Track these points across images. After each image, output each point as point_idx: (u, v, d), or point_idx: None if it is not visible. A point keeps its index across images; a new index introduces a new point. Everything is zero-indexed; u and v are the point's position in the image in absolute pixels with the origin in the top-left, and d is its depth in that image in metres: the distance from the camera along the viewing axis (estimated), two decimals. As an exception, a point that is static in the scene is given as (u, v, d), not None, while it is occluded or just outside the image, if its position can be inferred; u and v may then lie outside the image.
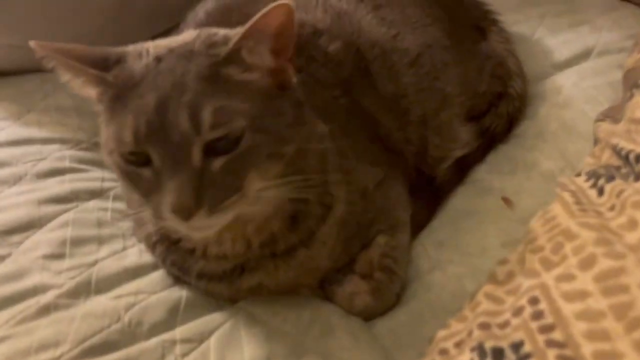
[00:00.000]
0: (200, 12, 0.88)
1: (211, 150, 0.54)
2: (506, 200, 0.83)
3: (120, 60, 0.58)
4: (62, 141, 0.87)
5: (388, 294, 0.73)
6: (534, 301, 0.44)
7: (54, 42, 0.57)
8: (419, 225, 0.83)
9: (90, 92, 0.60)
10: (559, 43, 1.08)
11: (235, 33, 0.58)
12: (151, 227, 0.69)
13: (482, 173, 0.90)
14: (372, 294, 0.73)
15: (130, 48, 0.61)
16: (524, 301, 0.45)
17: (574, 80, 1.01)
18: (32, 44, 0.57)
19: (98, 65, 0.58)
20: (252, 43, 0.57)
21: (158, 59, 0.57)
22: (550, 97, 1.00)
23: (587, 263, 0.43)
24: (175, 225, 0.57)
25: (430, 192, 0.88)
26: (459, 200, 0.86)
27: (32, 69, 0.95)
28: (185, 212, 0.53)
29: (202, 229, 0.57)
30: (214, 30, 0.61)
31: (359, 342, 0.67)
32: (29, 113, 0.91)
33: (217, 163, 0.55)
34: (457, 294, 0.71)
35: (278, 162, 0.59)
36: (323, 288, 0.75)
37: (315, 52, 0.81)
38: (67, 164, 0.84)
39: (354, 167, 0.75)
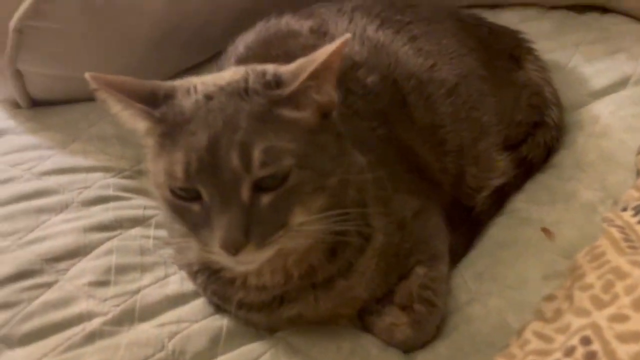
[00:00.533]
0: (240, 45, 0.90)
1: (259, 186, 0.55)
2: (546, 231, 0.82)
3: (169, 95, 0.60)
4: (105, 169, 0.89)
5: (428, 326, 0.73)
6: (586, 341, 0.44)
7: (106, 75, 0.59)
8: (457, 255, 0.83)
9: (139, 125, 0.61)
10: (595, 71, 1.08)
11: (289, 72, 0.59)
12: (192, 255, 0.70)
13: (520, 203, 0.90)
14: (411, 326, 0.72)
15: (178, 83, 0.62)
16: (575, 341, 0.44)
17: (612, 109, 1.00)
18: (87, 76, 0.58)
19: (147, 100, 0.59)
20: (317, 82, 0.57)
21: (208, 97, 0.58)
22: (587, 126, 0.99)
23: (640, 303, 0.43)
24: (222, 259, 0.58)
25: (468, 222, 0.87)
26: (497, 231, 0.86)
27: (78, 98, 0.99)
28: (234, 248, 0.54)
29: (248, 263, 0.59)
30: (262, 67, 0.61)
31: (399, 375, 0.67)
32: (74, 142, 0.94)
33: (265, 199, 0.56)
34: (498, 328, 0.70)
35: (321, 195, 0.60)
36: (362, 319, 0.75)
37: (353, 84, 0.82)
38: (110, 192, 0.86)
39: (392, 198, 0.75)
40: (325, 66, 0.56)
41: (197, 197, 0.56)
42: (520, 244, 0.82)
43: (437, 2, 1.05)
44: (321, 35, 0.88)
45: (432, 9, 0.99)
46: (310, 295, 0.68)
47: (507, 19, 1.19)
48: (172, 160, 0.56)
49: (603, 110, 1.00)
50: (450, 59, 0.91)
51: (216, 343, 0.69)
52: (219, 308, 0.72)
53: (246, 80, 0.59)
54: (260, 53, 0.84)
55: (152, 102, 0.59)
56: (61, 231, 0.78)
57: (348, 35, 0.56)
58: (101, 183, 0.87)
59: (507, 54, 1.02)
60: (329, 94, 0.59)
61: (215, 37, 1.03)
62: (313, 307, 0.69)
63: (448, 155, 0.88)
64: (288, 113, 0.57)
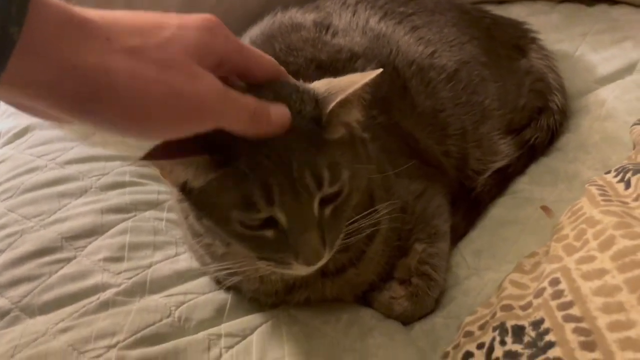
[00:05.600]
0: (245, 40, 0.93)
1: (321, 202, 0.57)
2: (546, 209, 0.83)
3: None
4: (123, 158, 0.94)
5: (426, 299, 0.75)
6: (554, 282, 0.45)
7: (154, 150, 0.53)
8: (457, 235, 0.85)
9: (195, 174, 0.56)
10: (602, 59, 1.08)
11: (320, 94, 0.58)
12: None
13: (522, 184, 0.91)
14: (409, 299, 0.74)
15: None
16: (545, 283, 0.46)
17: (617, 94, 1.00)
18: (142, 163, 0.53)
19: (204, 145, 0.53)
20: (345, 109, 0.58)
21: None
22: (592, 111, 1.00)
23: (606, 244, 0.45)
24: (298, 271, 0.59)
25: (469, 202, 0.89)
26: (499, 210, 0.87)
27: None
28: (317, 260, 0.57)
29: (316, 268, 0.60)
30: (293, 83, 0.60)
31: (394, 341, 0.69)
32: (95, 134, 0.99)
33: (327, 211, 0.58)
34: (494, 298, 0.72)
35: (357, 198, 0.62)
36: (364, 295, 0.78)
37: None
38: (127, 178, 0.91)
39: (395, 183, 0.77)
40: (354, 96, 0.56)
41: (269, 224, 0.56)
42: (520, 222, 0.83)
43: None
44: (324, 29, 0.92)
45: (435, 1, 1.02)
46: (319, 282, 0.71)
47: (516, 13, 1.21)
48: (247, 192, 0.53)
49: (609, 95, 1.01)
50: (450, 47, 0.94)
51: (221, 312, 0.72)
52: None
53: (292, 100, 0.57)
54: (264, 47, 0.87)
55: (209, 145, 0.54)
56: (80, 213, 0.83)
57: (379, 71, 0.56)
58: (119, 170, 0.92)
59: (511, 43, 1.03)
60: (356, 115, 0.61)
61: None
62: (321, 292, 0.72)
63: (450, 138, 0.90)
64: (327, 134, 0.57)
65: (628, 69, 1.05)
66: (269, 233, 0.56)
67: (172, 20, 0.47)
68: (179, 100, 0.45)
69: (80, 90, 0.42)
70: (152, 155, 0.51)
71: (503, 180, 0.92)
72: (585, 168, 0.89)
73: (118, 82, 0.42)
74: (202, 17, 0.48)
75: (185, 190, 0.58)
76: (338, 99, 0.56)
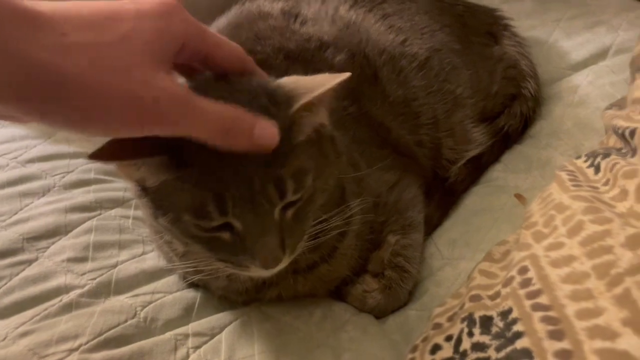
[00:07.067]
0: (212, 29, 0.91)
1: (285, 205, 0.55)
2: (519, 197, 0.82)
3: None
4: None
5: (399, 291, 0.73)
6: (523, 271, 0.44)
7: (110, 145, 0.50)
8: (431, 225, 0.84)
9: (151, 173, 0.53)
10: (575, 45, 1.08)
11: (283, 94, 0.54)
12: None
13: (496, 172, 0.90)
14: (382, 292, 0.73)
15: None
16: (514, 272, 0.45)
17: (590, 79, 1.00)
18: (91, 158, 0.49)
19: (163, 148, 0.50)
20: (312, 111, 0.54)
21: None
22: (565, 97, 0.99)
23: (574, 230, 0.43)
24: (257, 273, 0.57)
25: (443, 192, 0.88)
26: (472, 199, 0.86)
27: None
28: (275, 264, 0.55)
29: (276, 271, 0.58)
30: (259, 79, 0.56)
31: (368, 334, 0.68)
32: (59, 132, 0.96)
33: (289, 214, 0.55)
34: (468, 288, 0.71)
35: (323, 197, 0.60)
36: (337, 290, 0.76)
37: (321, 65, 0.81)
38: (92, 175, 0.88)
39: (367, 175, 0.76)
40: (321, 99, 0.54)
41: (226, 227, 0.53)
42: (494, 210, 0.82)
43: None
44: (292, 17, 0.89)
45: (406, -11, 1.01)
46: (291, 279, 0.69)
47: (488, 0, 1.20)
48: (200, 200, 0.51)
49: (582, 81, 1.00)
50: (422, 35, 0.92)
51: (189, 312, 0.70)
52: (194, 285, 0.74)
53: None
54: (230, 36, 0.84)
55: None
56: (42, 212, 0.80)
57: (348, 74, 0.53)
58: (83, 168, 0.89)
59: (484, 30, 1.02)
60: (323, 117, 0.57)
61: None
62: (293, 289, 0.70)
63: (423, 127, 0.88)
64: (292, 136, 0.53)
65: (601, 54, 1.04)
66: (225, 235, 0.54)
67: (129, 9, 0.44)
68: (136, 104, 0.42)
69: (33, 89, 0.40)
70: (101, 153, 0.48)
71: (477, 168, 0.91)
72: (558, 154, 0.88)
73: (72, 81, 0.40)
74: (159, 1, 0.45)
75: (143, 187, 0.55)
76: (303, 100, 0.53)
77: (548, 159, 0.88)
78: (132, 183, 0.56)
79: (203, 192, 0.51)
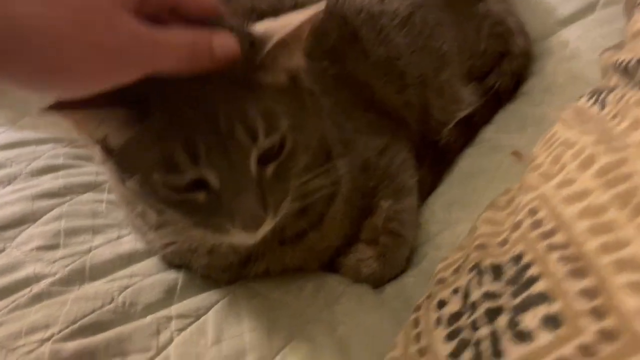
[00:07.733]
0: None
1: (262, 159, 0.50)
2: (517, 155, 0.78)
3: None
4: (56, 140, 0.86)
5: (395, 257, 0.69)
6: (532, 212, 0.40)
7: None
8: (425, 189, 0.79)
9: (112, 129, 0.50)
10: (562, 0, 1.04)
11: (258, 36, 0.51)
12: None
13: (490, 133, 0.86)
14: (377, 260, 0.69)
15: None
16: (522, 215, 0.40)
17: (580, 33, 0.96)
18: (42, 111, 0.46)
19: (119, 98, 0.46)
20: (286, 50, 0.51)
21: None
22: (556, 53, 0.95)
23: (586, 163, 0.39)
24: (239, 239, 0.52)
25: (435, 155, 0.83)
26: (467, 161, 0.82)
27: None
28: (257, 225, 0.50)
29: (261, 235, 0.53)
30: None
31: (364, 304, 0.63)
32: (24, 117, 0.91)
33: (269, 170, 0.51)
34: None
35: (306, 155, 0.56)
36: (330, 262, 0.71)
37: None
38: (61, 161, 0.83)
39: (353, 139, 0.72)
40: (294, 36, 0.50)
41: (199, 186, 0.49)
42: (490, 170, 0.78)
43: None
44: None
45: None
46: (278, 251, 0.65)
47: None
48: (168, 150, 0.47)
49: (571, 35, 0.96)
50: (402, -9, 0.88)
51: (171, 294, 0.65)
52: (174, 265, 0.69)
53: None
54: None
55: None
56: (8, 201, 0.75)
57: (320, 7, 0.50)
58: (51, 153, 0.83)
59: (468, -12, 0.98)
60: (298, 60, 0.54)
61: None
62: (281, 261, 0.66)
63: (409, 87, 0.84)
64: (262, 77, 0.50)
65: (589, 8, 1.00)
66: (200, 196, 0.50)
67: None
68: (99, 52, 0.40)
69: None
70: (60, 104, 0.44)
71: (469, 129, 0.86)
72: (553, 110, 0.84)
73: (29, 33, 0.37)
74: None
75: (107, 148, 0.50)
76: (276, 38, 0.49)
77: (542, 115, 0.84)
78: (95, 146, 0.51)
79: (170, 141, 0.47)
